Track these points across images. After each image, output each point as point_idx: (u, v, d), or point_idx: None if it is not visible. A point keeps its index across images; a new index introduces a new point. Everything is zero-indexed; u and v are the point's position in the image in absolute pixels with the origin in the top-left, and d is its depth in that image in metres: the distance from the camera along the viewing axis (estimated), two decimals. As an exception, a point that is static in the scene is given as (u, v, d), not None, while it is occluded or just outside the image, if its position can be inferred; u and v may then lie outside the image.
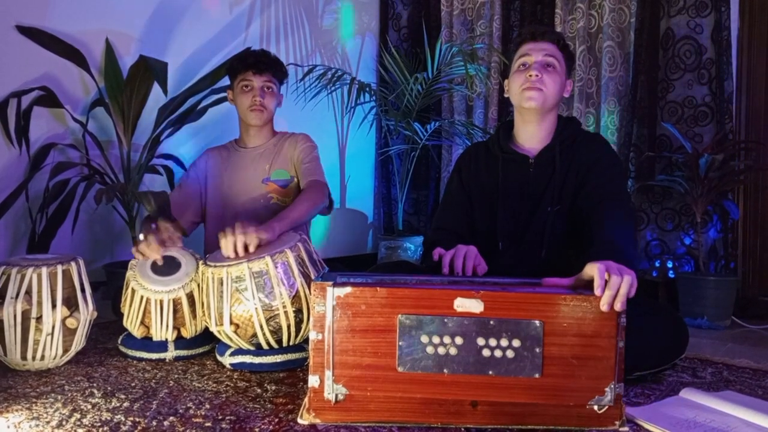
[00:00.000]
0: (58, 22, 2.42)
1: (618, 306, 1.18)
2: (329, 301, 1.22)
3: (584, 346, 1.20)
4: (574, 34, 2.96)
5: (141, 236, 1.85)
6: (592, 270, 1.23)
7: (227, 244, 1.64)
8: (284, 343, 1.65)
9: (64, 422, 1.25)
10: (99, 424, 1.25)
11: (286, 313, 1.60)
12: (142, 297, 1.72)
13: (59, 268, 1.62)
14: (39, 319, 1.58)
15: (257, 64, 2.09)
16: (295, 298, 1.61)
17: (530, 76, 1.65)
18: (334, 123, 3.52)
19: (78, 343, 1.68)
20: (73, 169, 2.36)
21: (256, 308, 1.58)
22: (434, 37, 3.33)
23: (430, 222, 3.53)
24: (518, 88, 1.68)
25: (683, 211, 2.65)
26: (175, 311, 1.73)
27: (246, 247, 1.64)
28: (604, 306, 1.18)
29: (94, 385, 1.50)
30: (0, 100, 2.25)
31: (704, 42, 2.60)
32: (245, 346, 1.64)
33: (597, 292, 1.20)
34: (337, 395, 1.23)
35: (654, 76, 2.72)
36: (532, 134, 1.75)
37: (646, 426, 1.26)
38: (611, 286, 1.18)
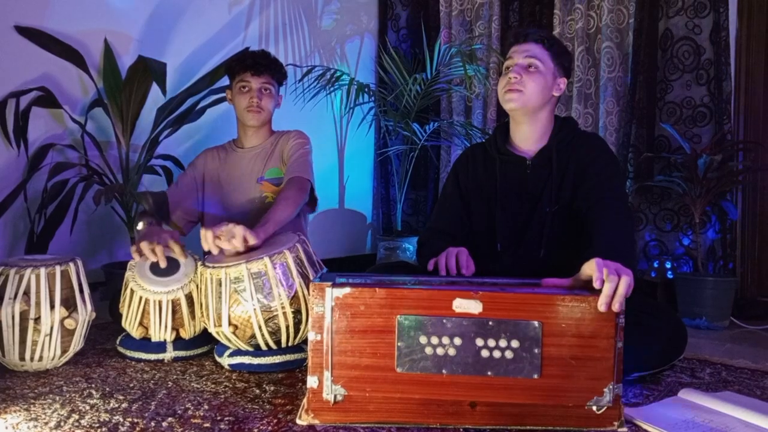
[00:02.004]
0: (57, 22, 2.42)
1: (616, 306, 1.18)
2: (328, 301, 1.22)
3: (583, 346, 1.20)
4: (572, 35, 2.96)
5: (141, 225, 1.85)
6: (590, 267, 1.24)
7: (207, 238, 1.65)
8: (283, 344, 1.65)
9: (62, 423, 1.25)
10: (97, 425, 1.24)
11: (284, 313, 1.60)
12: (140, 298, 1.71)
13: (58, 269, 1.61)
14: (37, 319, 1.58)
15: (255, 65, 2.08)
16: (294, 299, 1.61)
17: (510, 78, 1.68)
18: (333, 123, 3.52)
19: (76, 343, 1.68)
20: (72, 169, 2.36)
21: (254, 309, 1.58)
22: (433, 38, 3.33)
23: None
24: (501, 90, 1.72)
25: (682, 212, 2.66)
26: (173, 312, 1.73)
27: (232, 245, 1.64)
28: (601, 306, 1.19)
29: (93, 385, 1.50)
30: (-2, 101, 2.25)
31: (703, 43, 2.61)
32: (244, 347, 1.64)
33: (596, 284, 1.21)
34: (335, 396, 1.23)
35: (652, 76, 2.72)
36: (526, 135, 1.75)
37: (645, 426, 1.26)
38: (608, 285, 1.19)
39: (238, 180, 2.14)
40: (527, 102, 1.68)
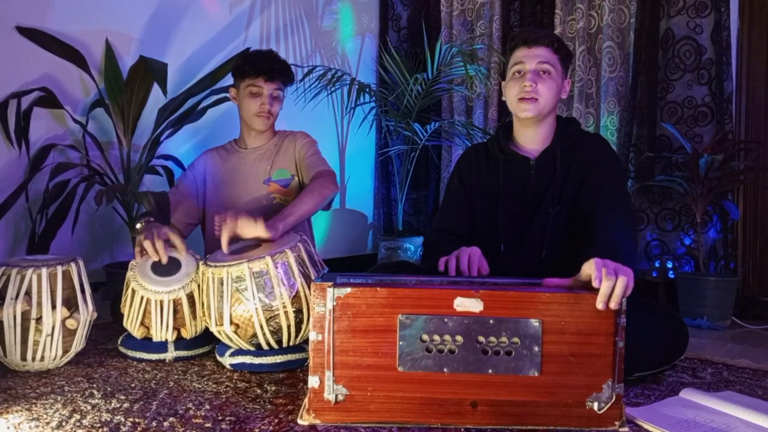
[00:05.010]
0: (58, 22, 2.43)
1: (613, 305, 1.19)
2: (329, 301, 1.22)
3: (582, 344, 1.21)
4: (573, 35, 2.96)
5: (138, 225, 1.86)
6: (590, 266, 1.24)
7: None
8: (284, 344, 1.65)
9: (63, 423, 1.25)
10: (99, 425, 1.25)
11: (286, 313, 1.60)
12: (142, 297, 1.71)
13: (59, 269, 1.62)
14: (39, 320, 1.58)
15: (270, 71, 2.04)
16: (296, 299, 1.61)
17: (525, 86, 1.65)
18: (334, 123, 3.52)
19: (78, 343, 1.68)
20: (73, 169, 2.36)
21: (256, 308, 1.58)
22: (434, 38, 3.33)
23: (430, 222, 3.53)
24: (514, 97, 1.69)
25: (683, 212, 2.65)
26: (175, 312, 1.73)
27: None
28: (599, 305, 1.19)
29: (94, 385, 1.50)
30: (0, 101, 2.25)
31: (704, 42, 2.61)
32: (245, 346, 1.64)
33: (595, 284, 1.21)
34: (337, 396, 1.23)
35: (654, 76, 2.72)
36: (532, 137, 1.75)
37: (646, 426, 1.26)
38: (606, 284, 1.19)
39: (243, 181, 2.13)
40: (542, 110, 1.68)
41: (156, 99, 2.47)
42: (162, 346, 1.72)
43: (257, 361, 1.62)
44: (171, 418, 1.28)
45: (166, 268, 1.76)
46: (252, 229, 1.70)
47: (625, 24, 2.80)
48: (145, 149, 2.51)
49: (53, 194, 2.25)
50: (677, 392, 1.46)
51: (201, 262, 1.72)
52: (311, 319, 1.23)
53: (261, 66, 2.04)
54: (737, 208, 2.52)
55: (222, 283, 1.60)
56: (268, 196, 2.11)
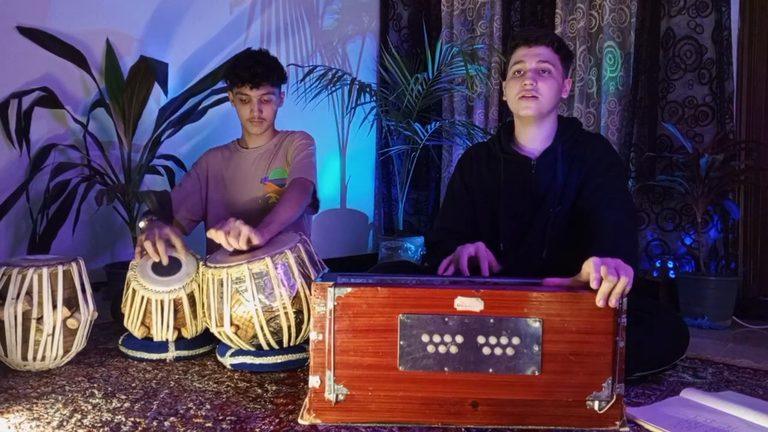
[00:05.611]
0: (59, 22, 2.43)
1: (613, 302, 1.19)
2: (330, 301, 1.22)
3: (582, 342, 1.21)
4: (574, 34, 2.96)
5: (141, 224, 1.85)
6: (589, 265, 1.24)
7: (218, 236, 1.66)
8: (285, 344, 1.65)
9: (64, 423, 1.25)
10: (100, 424, 1.25)
11: (286, 314, 1.60)
12: (142, 297, 1.72)
13: (60, 269, 1.62)
14: (40, 319, 1.58)
15: (253, 78, 2.02)
16: (296, 299, 1.61)
17: (525, 84, 1.66)
18: (334, 123, 3.52)
19: (78, 343, 1.68)
20: (74, 169, 2.36)
21: (256, 309, 1.58)
22: (434, 38, 3.33)
23: (431, 222, 3.53)
24: (514, 96, 1.69)
25: (684, 211, 2.65)
26: (175, 311, 1.73)
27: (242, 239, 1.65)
28: (599, 302, 1.19)
29: (95, 385, 1.50)
30: (1, 101, 2.25)
31: (705, 42, 2.60)
32: (246, 347, 1.64)
33: (593, 285, 1.21)
34: (337, 395, 1.23)
35: (654, 76, 2.72)
36: (533, 136, 1.75)
37: (647, 426, 1.26)
38: (607, 282, 1.19)
39: (242, 180, 2.14)
40: (543, 108, 1.68)
41: (157, 99, 2.47)
42: (163, 346, 1.72)
43: (258, 361, 1.62)
44: (172, 418, 1.28)
45: (167, 268, 1.76)
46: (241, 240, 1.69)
47: (626, 24, 2.80)
48: (145, 149, 2.51)
49: (54, 194, 2.25)
50: (678, 392, 1.46)
51: (201, 263, 1.72)
52: (312, 319, 1.23)
53: (243, 74, 2.03)
54: (738, 208, 2.52)
55: (222, 284, 1.60)
56: (264, 196, 2.11)
